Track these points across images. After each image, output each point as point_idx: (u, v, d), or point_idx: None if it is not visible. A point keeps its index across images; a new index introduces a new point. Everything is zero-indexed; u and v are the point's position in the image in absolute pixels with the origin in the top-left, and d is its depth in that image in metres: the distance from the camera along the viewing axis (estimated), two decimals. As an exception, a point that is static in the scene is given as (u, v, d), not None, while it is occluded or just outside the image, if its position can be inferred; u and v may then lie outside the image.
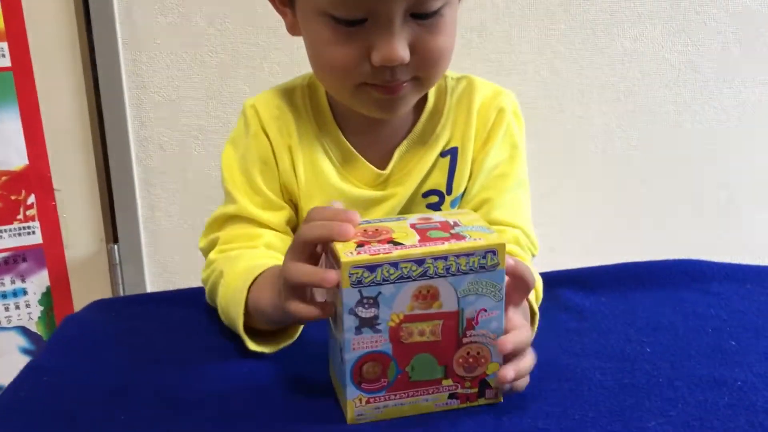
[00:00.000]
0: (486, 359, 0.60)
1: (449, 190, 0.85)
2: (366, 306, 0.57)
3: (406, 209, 0.84)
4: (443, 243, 0.57)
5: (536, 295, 0.75)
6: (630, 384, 0.64)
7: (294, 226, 0.83)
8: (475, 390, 0.60)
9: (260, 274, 0.70)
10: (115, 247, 1.30)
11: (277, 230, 0.81)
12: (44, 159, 1.22)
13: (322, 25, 0.71)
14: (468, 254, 0.57)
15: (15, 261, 1.24)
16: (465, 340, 0.59)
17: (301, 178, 0.82)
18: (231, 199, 0.81)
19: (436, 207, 0.85)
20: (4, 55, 1.14)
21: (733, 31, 1.35)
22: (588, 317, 0.79)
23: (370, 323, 0.57)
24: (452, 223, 0.61)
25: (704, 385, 0.64)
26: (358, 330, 0.57)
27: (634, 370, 0.67)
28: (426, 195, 0.84)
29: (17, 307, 1.25)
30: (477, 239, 0.58)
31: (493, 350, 0.60)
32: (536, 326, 0.72)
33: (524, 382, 0.62)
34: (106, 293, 1.26)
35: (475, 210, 0.82)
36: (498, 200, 0.82)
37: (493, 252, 0.58)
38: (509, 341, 0.59)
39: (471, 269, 0.58)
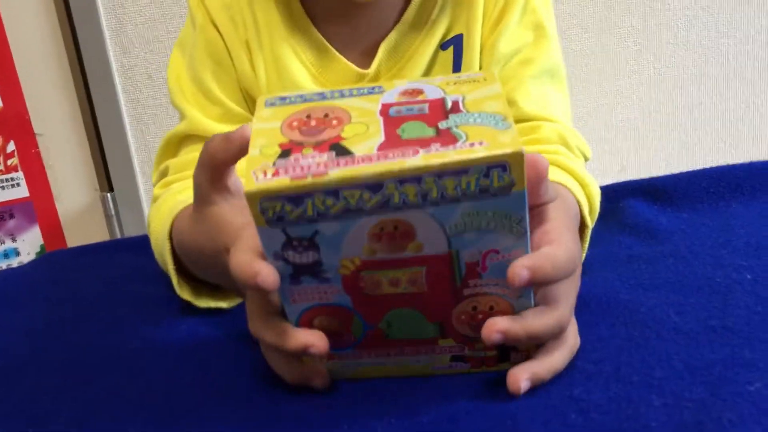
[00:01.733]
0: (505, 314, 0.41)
1: None
2: (299, 250, 0.39)
3: None
4: (415, 153, 0.36)
5: (590, 207, 0.58)
6: (721, 327, 0.45)
7: None
8: (494, 353, 0.42)
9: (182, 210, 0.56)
10: (109, 196, 1.23)
11: None
12: (20, 99, 1.14)
13: None
14: (457, 171, 0.37)
15: (2, 218, 1.17)
16: (467, 291, 0.41)
17: (262, 81, 0.69)
18: (182, 116, 0.69)
19: None
20: None
21: None
22: (663, 239, 0.61)
23: (310, 271, 0.40)
24: (450, 105, 0.40)
25: None
26: (295, 279, 0.40)
27: (727, 306, 0.48)
28: None
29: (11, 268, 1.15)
30: (478, 144, 0.36)
31: (516, 303, 0.41)
32: (586, 247, 0.55)
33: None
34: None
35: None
36: (522, 93, 0.67)
37: (503, 167, 0.37)
38: (525, 274, 0.39)
39: (465, 194, 0.38)
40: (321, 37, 0.69)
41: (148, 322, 0.55)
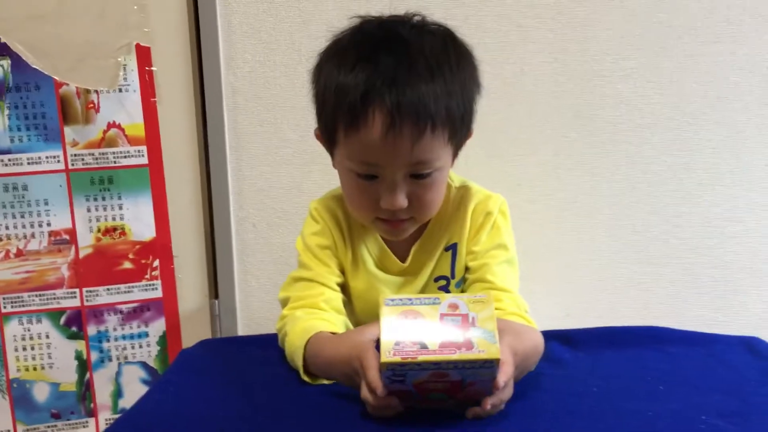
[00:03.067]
0: (482, 393, 0.78)
1: (453, 275, 1.05)
2: (395, 378, 0.75)
3: (423, 291, 1.04)
4: (455, 352, 0.71)
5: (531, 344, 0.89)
6: (576, 411, 0.84)
7: (343, 285, 1.05)
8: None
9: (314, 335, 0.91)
10: (216, 302, 1.51)
11: (333, 289, 1.02)
12: (167, 233, 1.46)
13: (350, 176, 0.94)
14: (473, 362, 0.72)
15: (141, 310, 1.48)
16: (467, 388, 0.77)
17: (349, 260, 1.04)
18: (304, 267, 1.03)
19: (444, 288, 1.05)
20: (143, 156, 1.43)
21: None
22: (564, 365, 0.98)
23: (399, 382, 0.76)
24: (471, 321, 0.74)
25: (625, 414, 0.83)
26: (389, 382, 0.76)
27: (580, 402, 0.86)
28: (436, 280, 1.05)
29: (140, 346, 1.48)
30: (482, 351, 0.72)
31: (487, 387, 0.76)
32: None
33: (501, 407, 0.81)
34: (207, 337, 1.47)
35: (475, 272, 1.01)
36: (492, 269, 1.00)
37: (492, 362, 0.73)
38: (497, 400, 0.78)
39: (473, 368, 0.73)
40: (382, 241, 1.04)
41: (286, 385, 0.93)
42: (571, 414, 0.84)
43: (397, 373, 0.73)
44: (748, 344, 1.05)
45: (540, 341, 0.91)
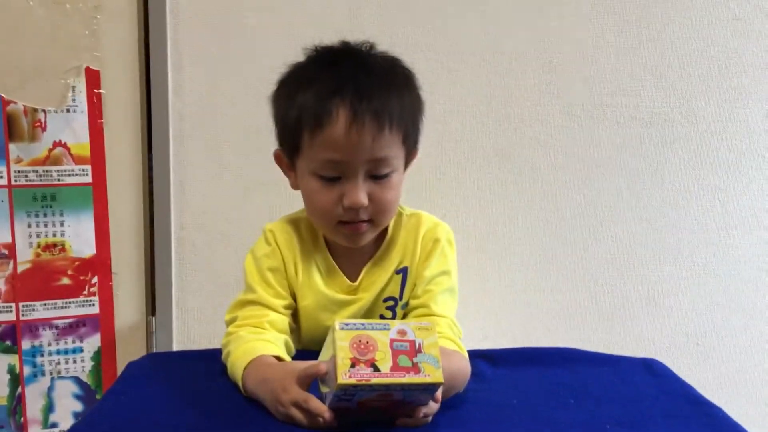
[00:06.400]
0: (412, 407, 0.84)
1: (401, 297, 1.07)
2: (345, 398, 0.79)
3: (369, 310, 1.06)
4: (404, 375, 0.76)
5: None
6: (498, 420, 0.91)
7: (291, 308, 1.07)
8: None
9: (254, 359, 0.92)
10: (153, 319, 1.52)
11: (279, 312, 1.04)
12: (107, 250, 1.47)
13: (313, 181, 0.97)
14: (418, 385, 0.78)
15: (78, 326, 1.47)
16: (404, 405, 0.82)
17: (299, 281, 1.06)
18: (251, 290, 1.04)
19: (392, 308, 1.07)
20: (87, 174, 1.44)
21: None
22: (487, 381, 1.04)
23: (346, 401, 0.79)
24: (417, 347, 0.78)
25: (540, 422, 0.91)
26: (337, 400, 0.79)
27: (501, 413, 0.93)
28: (385, 300, 1.07)
29: (74, 361, 1.47)
30: (427, 375, 0.77)
31: (420, 403, 0.83)
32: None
33: (429, 418, 0.87)
34: (142, 354, 1.42)
35: (419, 298, 1.05)
36: (435, 297, 1.04)
37: (434, 385, 0.78)
38: (429, 410, 0.84)
39: (417, 390, 0.79)
40: (332, 261, 1.05)
41: (227, 396, 0.95)
42: (493, 423, 0.91)
43: (349, 393, 0.77)
44: (647, 365, 1.14)
45: (466, 366, 0.97)
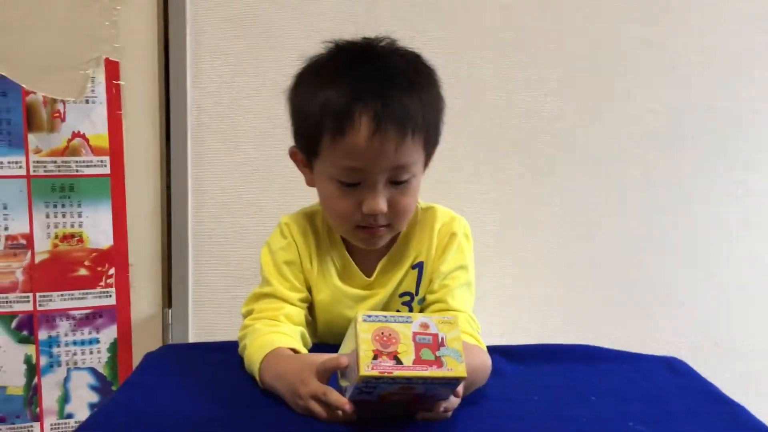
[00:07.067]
0: (433, 402, 0.82)
1: (417, 292, 1.06)
2: (366, 390, 0.77)
3: (386, 305, 1.05)
4: (427, 369, 0.75)
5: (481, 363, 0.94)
6: (518, 416, 0.90)
7: (307, 301, 1.06)
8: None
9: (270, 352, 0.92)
10: (169, 311, 1.53)
11: (294, 305, 1.03)
12: (125, 242, 1.48)
13: (331, 185, 0.95)
14: (441, 379, 0.76)
15: (94, 317, 1.48)
16: (424, 400, 0.81)
17: (315, 275, 1.05)
18: (267, 283, 1.04)
19: (408, 303, 1.06)
20: (105, 166, 1.44)
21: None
22: (506, 376, 1.04)
23: (367, 393, 0.78)
24: (440, 340, 0.77)
25: (561, 419, 0.90)
26: (357, 394, 0.78)
27: (521, 409, 0.92)
28: (401, 296, 1.06)
29: (91, 352, 1.48)
30: (450, 369, 0.75)
31: (441, 397, 0.82)
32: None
33: (450, 413, 0.85)
34: (158, 346, 1.46)
35: (436, 293, 1.04)
36: (452, 292, 1.03)
37: (457, 380, 0.77)
38: (449, 404, 0.83)
39: (439, 384, 0.77)
40: (348, 256, 1.04)
41: (244, 388, 0.95)
42: (513, 419, 0.91)
43: (370, 385, 0.76)
44: (668, 363, 1.13)
45: (487, 361, 0.96)
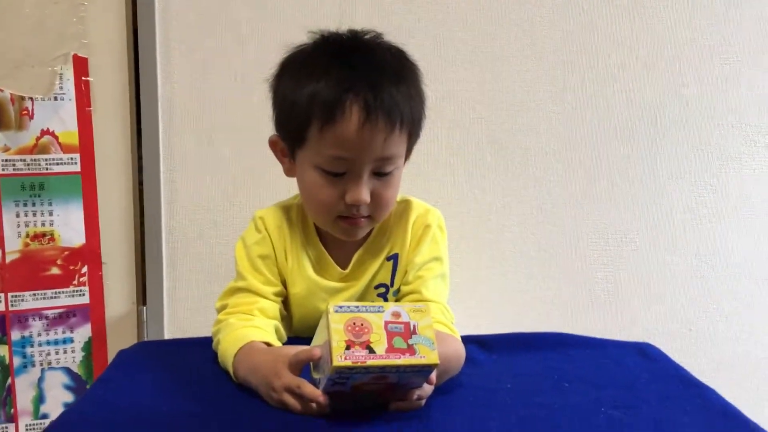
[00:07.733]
0: (405, 391, 0.83)
1: (392, 284, 1.06)
2: (339, 381, 0.78)
3: (361, 297, 1.05)
4: (399, 357, 0.75)
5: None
6: (491, 404, 0.91)
7: (282, 295, 1.06)
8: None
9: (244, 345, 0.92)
10: (144, 309, 1.51)
11: (269, 299, 1.03)
12: (97, 240, 1.46)
13: (315, 174, 0.95)
14: (414, 367, 0.77)
15: (67, 316, 1.46)
16: (397, 389, 0.82)
17: (290, 268, 1.05)
18: (241, 277, 1.04)
19: (383, 295, 1.06)
20: (76, 163, 1.42)
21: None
22: (480, 365, 1.04)
23: (341, 385, 0.78)
24: (412, 329, 0.77)
25: (534, 406, 0.90)
26: (330, 385, 0.78)
27: (495, 397, 0.93)
28: (376, 287, 1.06)
29: (65, 352, 1.46)
30: (423, 356, 0.76)
31: (414, 386, 0.82)
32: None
33: (423, 401, 0.86)
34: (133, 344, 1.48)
35: (410, 284, 1.04)
36: (426, 283, 1.04)
37: (430, 367, 0.78)
38: (423, 393, 0.84)
39: (413, 371, 0.78)
40: (323, 248, 1.04)
41: (219, 383, 0.95)
42: (486, 406, 0.91)
43: (343, 375, 0.76)
44: (640, 349, 1.14)
45: (461, 349, 0.97)
